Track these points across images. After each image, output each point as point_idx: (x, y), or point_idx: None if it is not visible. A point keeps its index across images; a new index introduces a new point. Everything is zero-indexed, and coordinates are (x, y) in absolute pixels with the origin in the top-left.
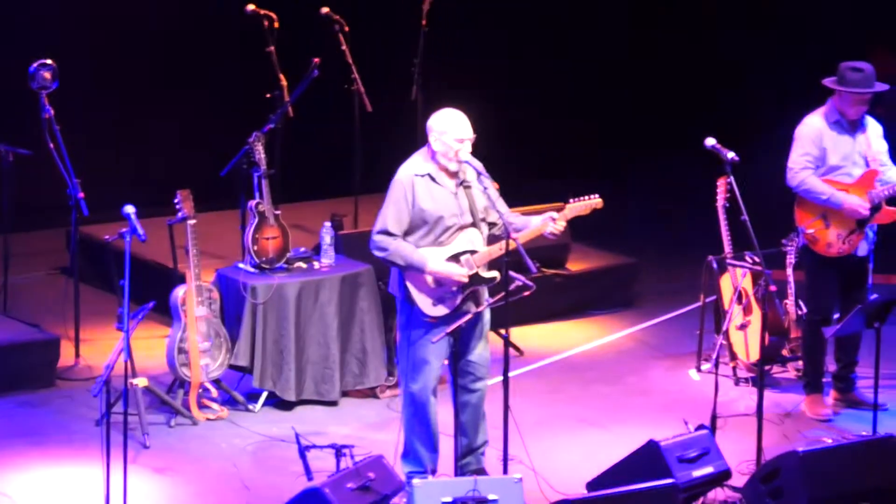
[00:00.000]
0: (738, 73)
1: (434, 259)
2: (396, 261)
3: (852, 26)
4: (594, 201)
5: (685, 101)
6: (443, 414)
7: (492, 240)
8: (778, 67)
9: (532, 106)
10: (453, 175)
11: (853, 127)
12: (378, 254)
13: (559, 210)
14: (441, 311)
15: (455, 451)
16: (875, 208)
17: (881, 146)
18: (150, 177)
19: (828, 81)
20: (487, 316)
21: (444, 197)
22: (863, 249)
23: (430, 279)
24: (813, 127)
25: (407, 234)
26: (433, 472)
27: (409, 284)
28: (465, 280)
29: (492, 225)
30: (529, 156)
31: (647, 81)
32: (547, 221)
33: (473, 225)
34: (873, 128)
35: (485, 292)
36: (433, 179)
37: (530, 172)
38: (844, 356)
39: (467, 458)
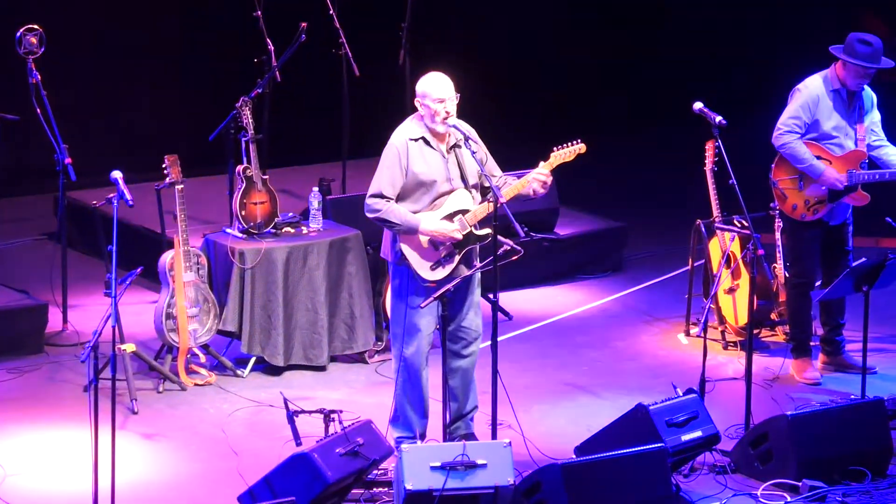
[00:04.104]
0: (729, 39)
1: (428, 219)
2: (391, 219)
3: None
4: (578, 147)
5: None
6: (432, 379)
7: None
8: (768, 35)
9: (522, 70)
10: (443, 138)
11: (851, 98)
12: (371, 216)
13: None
14: (436, 274)
15: (444, 416)
16: (850, 188)
17: (875, 116)
18: (137, 142)
19: (835, 50)
20: (478, 280)
21: (436, 161)
22: (835, 219)
23: (424, 240)
24: (811, 93)
25: (401, 198)
26: (422, 437)
27: (403, 247)
28: (460, 237)
29: (484, 191)
30: (517, 120)
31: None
32: (532, 178)
33: (464, 188)
34: (869, 98)
35: (476, 256)
36: (427, 143)
37: (518, 136)
38: (830, 319)
39: (456, 424)
